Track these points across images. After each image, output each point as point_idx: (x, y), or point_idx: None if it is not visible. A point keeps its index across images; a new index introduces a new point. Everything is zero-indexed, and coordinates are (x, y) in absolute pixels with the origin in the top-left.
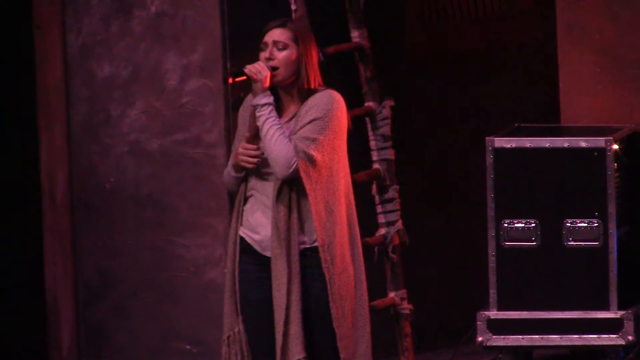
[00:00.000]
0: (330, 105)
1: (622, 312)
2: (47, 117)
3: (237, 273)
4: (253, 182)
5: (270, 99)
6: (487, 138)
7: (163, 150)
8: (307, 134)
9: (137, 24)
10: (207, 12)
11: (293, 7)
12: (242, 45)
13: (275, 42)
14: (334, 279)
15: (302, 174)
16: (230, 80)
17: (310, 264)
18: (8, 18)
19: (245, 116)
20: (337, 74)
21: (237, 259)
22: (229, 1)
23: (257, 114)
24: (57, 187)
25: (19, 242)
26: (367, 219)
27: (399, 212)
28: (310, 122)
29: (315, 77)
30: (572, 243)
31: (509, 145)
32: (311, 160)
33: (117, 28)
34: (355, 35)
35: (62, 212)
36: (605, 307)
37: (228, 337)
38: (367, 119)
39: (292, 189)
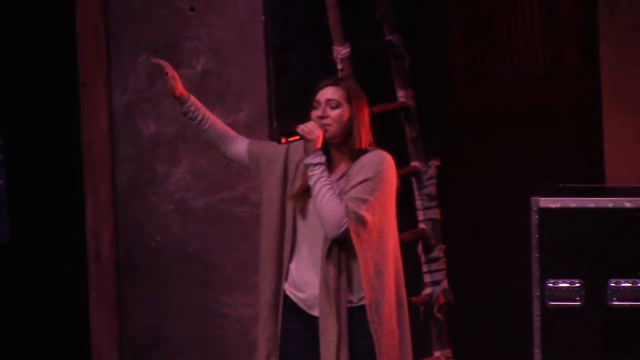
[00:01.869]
0: (380, 166)
1: None
2: (92, 175)
3: (280, 328)
4: (301, 238)
5: (323, 159)
6: (532, 198)
7: (209, 209)
8: (357, 194)
9: (183, 82)
10: (253, 71)
11: (339, 66)
12: (288, 104)
13: (328, 100)
14: (382, 340)
15: (353, 235)
16: (284, 141)
17: (357, 322)
18: (54, 75)
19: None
20: (383, 134)
21: (281, 315)
22: (275, 60)
23: (309, 173)
24: (103, 245)
25: (65, 300)
26: (412, 278)
27: (444, 272)
28: (360, 182)
29: (366, 137)
30: (616, 303)
31: (553, 206)
32: (362, 221)
33: (162, 86)
34: (401, 94)
35: (107, 270)
36: None
37: None
38: (412, 178)
39: (341, 248)
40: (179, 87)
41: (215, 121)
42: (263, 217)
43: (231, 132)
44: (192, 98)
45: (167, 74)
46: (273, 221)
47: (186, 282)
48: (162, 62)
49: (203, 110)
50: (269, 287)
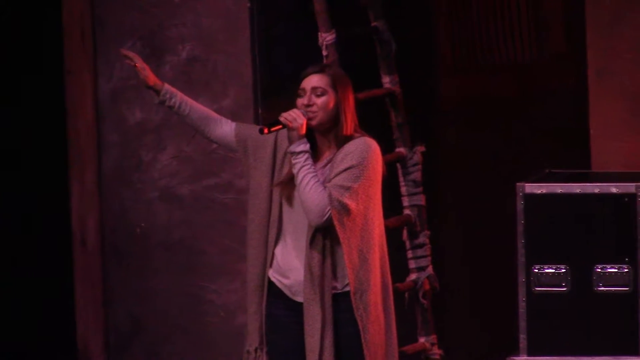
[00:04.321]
0: (366, 153)
1: None
2: (78, 162)
3: (264, 314)
4: (287, 225)
5: (307, 147)
6: (517, 184)
7: (194, 196)
8: (341, 182)
9: (169, 69)
10: (238, 58)
11: (324, 52)
12: (273, 90)
13: (313, 88)
14: (367, 328)
15: (336, 223)
16: (266, 131)
17: (341, 308)
18: (39, 63)
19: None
20: (368, 120)
21: (265, 302)
22: (260, 47)
23: (293, 161)
24: (88, 232)
25: (50, 287)
26: (397, 264)
27: (429, 258)
28: (345, 169)
29: (352, 123)
30: (602, 288)
31: (539, 191)
32: (345, 209)
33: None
34: (386, 80)
35: (92, 257)
36: (635, 353)
37: (247, 351)
38: (397, 164)
39: (325, 235)
40: (151, 76)
41: (194, 105)
42: (250, 203)
43: (214, 115)
44: (167, 86)
45: (135, 65)
46: (261, 207)
47: (171, 269)
48: (130, 54)
49: (180, 96)
50: (257, 273)
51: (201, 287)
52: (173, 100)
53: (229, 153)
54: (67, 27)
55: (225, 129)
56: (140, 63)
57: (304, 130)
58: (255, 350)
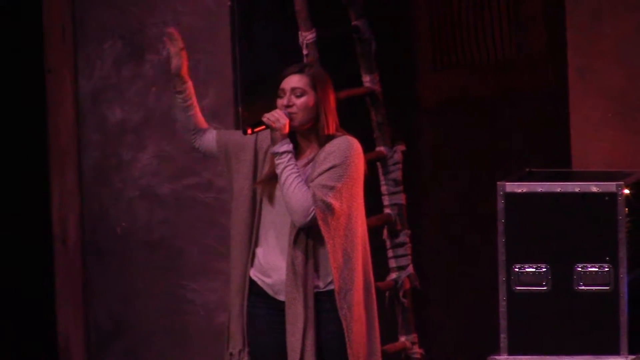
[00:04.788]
0: (348, 152)
1: (633, 357)
2: (58, 161)
3: (245, 313)
4: (268, 224)
5: (290, 147)
6: (498, 183)
7: (174, 195)
8: (325, 181)
9: (149, 68)
10: (219, 57)
11: (305, 51)
12: (254, 90)
13: (293, 89)
14: (351, 327)
15: (320, 222)
16: (249, 131)
17: (324, 307)
18: (19, 62)
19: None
20: (348, 119)
21: (246, 301)
22: (241, 46)
23: (277, 162)
24: (69, 231)
25: (30, 286)
26: (377, 264)
27: (409, 257)
28: (328, 169)
29: (333, 122)
30: (582, 288)
31: (520, 190)
32: (329, 209)
33: (128, 72)
34: (366, 79)
35: (73, 256)
36: (616, 352)
37: (231, 354)
38: (378, 163)
39: (308, 235)
40: (185, 67)
41: (197, 114)
42: (234, 205)
43: (205, 126)
44: (190, 84)
45: (182, 49)
46: (244, 208)
47: (152, 268)
48: (176, 35)
49: (193, 100)
50: (240, 275)
51: (182, 286)
52: (188, 97)
53: None
54: (47, 26)
55: (209, 136)
56: (183, 50)
57: (286, 130)
58: (239, 352)
